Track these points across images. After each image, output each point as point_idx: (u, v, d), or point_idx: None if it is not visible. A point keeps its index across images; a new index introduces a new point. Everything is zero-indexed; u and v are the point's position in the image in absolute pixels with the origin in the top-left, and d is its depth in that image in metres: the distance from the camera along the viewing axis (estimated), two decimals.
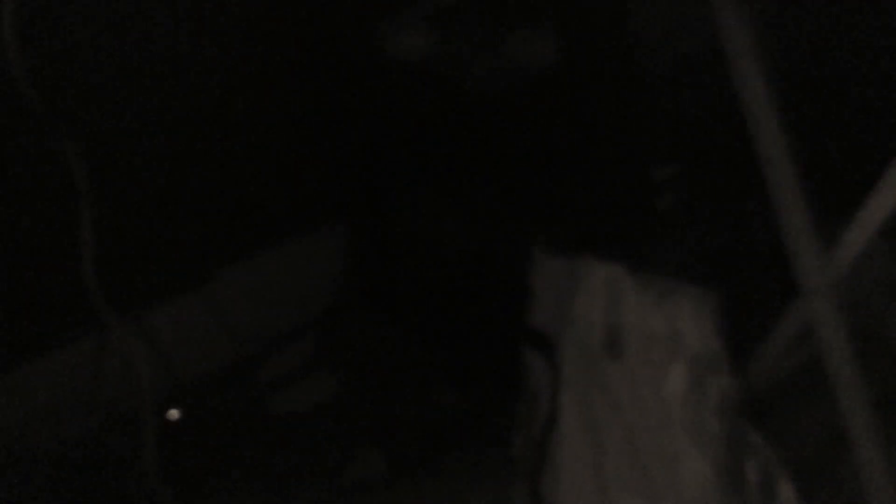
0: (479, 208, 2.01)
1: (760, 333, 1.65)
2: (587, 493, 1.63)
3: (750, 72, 1.50)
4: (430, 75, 1.98)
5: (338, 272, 2.25)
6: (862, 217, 1.49)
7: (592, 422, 1.63)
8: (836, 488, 1.65)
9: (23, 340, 2.03)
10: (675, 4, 2.00)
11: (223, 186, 2.15)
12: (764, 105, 1.50)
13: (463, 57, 1.98)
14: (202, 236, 2.15)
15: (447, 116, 2.00)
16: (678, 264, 1.93)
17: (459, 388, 2.02)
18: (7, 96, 1.85)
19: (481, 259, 2.01)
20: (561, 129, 1.99)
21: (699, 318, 1.59)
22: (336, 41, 2.11)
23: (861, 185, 1.50)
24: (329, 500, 1.91)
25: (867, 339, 1.68)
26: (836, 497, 1.65)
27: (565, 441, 1.64)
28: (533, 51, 1.97)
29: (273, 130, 2.20)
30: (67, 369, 2.05)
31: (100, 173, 1.94)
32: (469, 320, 2.03)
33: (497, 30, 2.00)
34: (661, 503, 1.58)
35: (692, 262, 1.93)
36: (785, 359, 1.65)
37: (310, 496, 1.92)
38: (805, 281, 1.54)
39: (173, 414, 2.06)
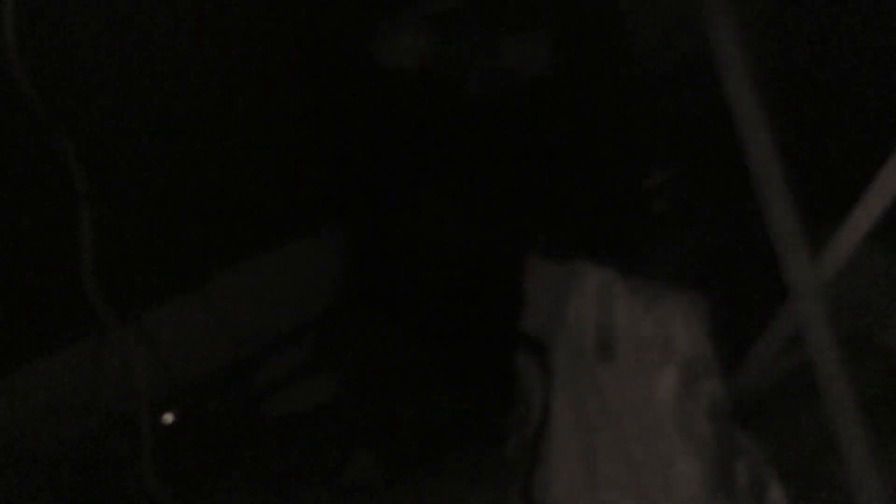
0: (476, 209, 2.01)
1: (753, 336, 1.65)
2: (579, 493, 1.63)
3: (738, 75, 1.50)
4: (428, 77, 1.99)
5: (337, 273, 2.26)
6: (851, 221, 1.50)
7: (584, 423, 1.63)
8: (828, 491, 1.65)
9: (22, 341, 2.04)
10: (673, 6, 2.00)
11: (222, 187, 2.16)
12: (752, 108, 1.51)
13: (462, 59, 1.98)
14: (201, 237, 2.15)
15: (445, 118, 2.00)
16: (673, 266, 1.93)
17: (457, 388, 2.02)
18: (7, 96, 1.85)
19: (478, 260, 2.01)
20: (558, 131, 1.99)
21: (690, 322, 1.59)
22: (335, 42, 2.11)
23: (851, 189, 1.50)
24: (328, 501, 1.91)
25: (860, 342, 1.68)
26: (828, 500, 1.65)
27: (558, 442, 1.65)
28: (531, 53, 1.97)
29: (273, 131, 2.20)
30: (67, 370, 2.06)
31: (99, 173, 1.94)
32: (466, 321, 2.03)
33: (495, 32, 2.00)
34: None
35: (686, 265, 1.93)
36: (776, 362, 1.65)
37: (308, 497, 1.93)
38: (794, 284, 1.54)
39: (167, 418, 2.06)
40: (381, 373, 2.11)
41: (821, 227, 1.55)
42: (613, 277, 1.62)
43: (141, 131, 2.07)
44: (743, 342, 1.67)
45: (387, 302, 2.20)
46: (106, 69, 2.01)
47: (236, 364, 2.17)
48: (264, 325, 2.20)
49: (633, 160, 2.07)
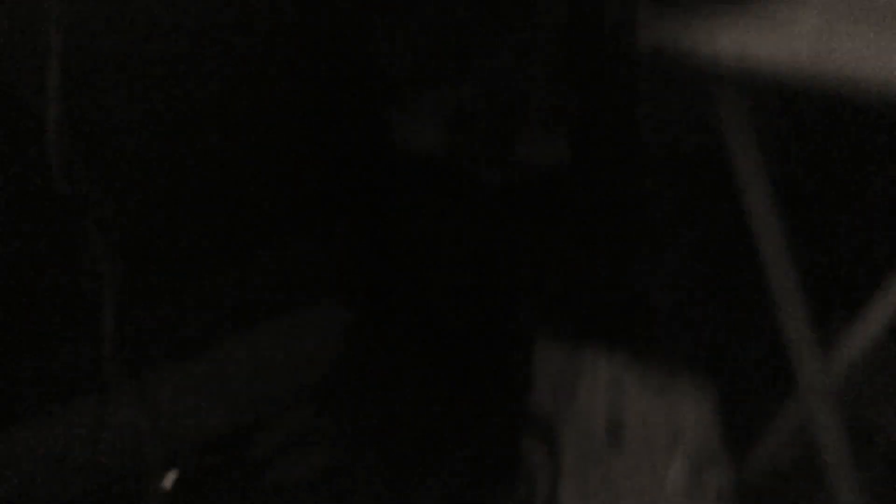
0: (485, 291, 2.03)
1: (761, 426, 1.67)
2: None
3: (752, 173, 1.52)
4: (440, 167, 2.00)
5: (337, 341, 2.27)
6: (863, 319, 1.51)
7: None
8: None
9: (24, 397, 2.04)
10: (686, 104, 2.01)
11: (231, 259, 2.17)
12: (765, 205, 1.53)
13: (477, 148, 2.00)
14: (204, 303, 2.16)
15: (458, 205, 2.01)
16: (681, 356, 1.94)
17: (459, 465, 2.03)
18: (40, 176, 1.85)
19: (486, 341, 2.02)
20: (569, 222, 2.00)
21: (699, 411, 1.60)
22: (346, 129, 2.13)
23: (864, 287, 1.52)
24: None
25: (868, 434, 1.70)
26: None
27: None
28: (546, 145, 1.99)
29: (282, 223, 2.22)
30: (68, 428, 2.06)
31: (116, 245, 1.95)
32: (471, 400, 2.04)
33: (511, 122, 2.01)
34: None
35: (695, 354, 1.95)
36: (783, 453, 1.67)
37: None
38: (804, 381, 1.56)
39: (168, 480, 2.07)
40: (382, 441, 2.12)
41: (830, 322, 1.57)
42: (623, 366, 1.64)
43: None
44: (750, 432, 1.69)
45: (391, 383, 2.21)
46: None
47: (235, 429, 2.18)
48: (265, 390, 2.21)
49: (641, 252, 2.08)
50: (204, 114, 2.11)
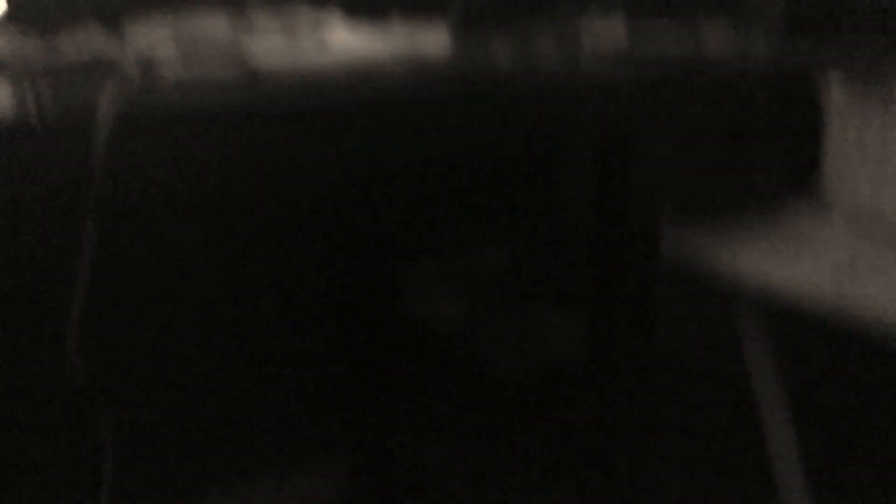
0: (493, 474, 2.00)
1: None
2: None
3: (769, 393, 1.50)
4: (453, 347, 1.98)
5: None
6: None
7: None
8: None
9: None
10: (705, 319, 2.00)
11: (237, 464, 2.16)
12: (782, 423, 1.50)
13: (491, 333, 1.99)
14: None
15: (467, 391, 2.00)
16: None
17: None
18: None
19: None
20: (581, 415, 1.98)
21: None
22: (359, 305, 2.12)
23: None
24: None
25: None
26: None
27: None
28: (561, 336, 1.97)
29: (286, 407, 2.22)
30: None
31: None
32: None
33: (526, 307, 2.00)
34: None
35: None
36: None
37: None
38: None
39: None
40: None
41: None
42: None
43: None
44: None
45: None
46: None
47: None
48: None
49: (650, 451, 2.06)
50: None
